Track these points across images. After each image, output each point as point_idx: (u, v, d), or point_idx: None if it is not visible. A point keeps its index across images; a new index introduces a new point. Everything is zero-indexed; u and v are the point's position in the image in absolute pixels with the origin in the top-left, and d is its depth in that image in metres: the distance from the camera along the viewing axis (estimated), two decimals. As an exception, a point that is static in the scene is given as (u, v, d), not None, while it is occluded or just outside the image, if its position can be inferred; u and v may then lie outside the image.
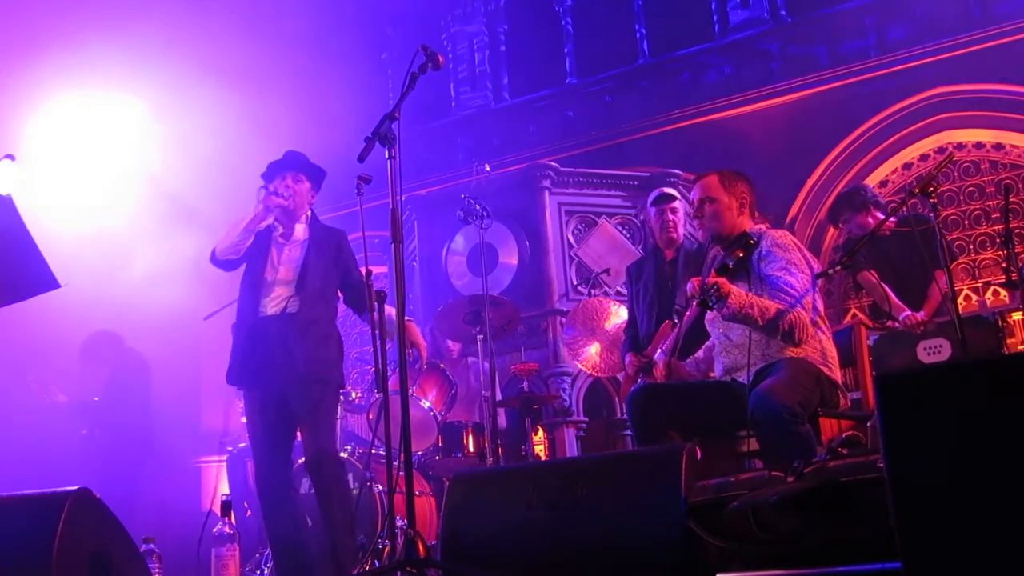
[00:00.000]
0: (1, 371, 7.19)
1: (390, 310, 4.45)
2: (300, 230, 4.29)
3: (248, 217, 4.18)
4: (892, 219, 4.90)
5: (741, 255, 3.33)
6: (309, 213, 4.34)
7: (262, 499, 4.02)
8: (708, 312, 3.61)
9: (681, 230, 5.08)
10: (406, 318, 4.52)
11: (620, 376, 6.57)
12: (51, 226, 7.09)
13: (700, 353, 3.97)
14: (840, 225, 5.45)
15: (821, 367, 3.45)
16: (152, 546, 3.70)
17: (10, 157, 5.14)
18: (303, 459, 4.17)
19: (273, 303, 4.15)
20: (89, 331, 7.18)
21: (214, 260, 4.26)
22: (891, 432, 1.79)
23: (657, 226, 5.09)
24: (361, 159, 3.26)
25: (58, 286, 3.99)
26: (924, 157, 8.93)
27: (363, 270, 4.07)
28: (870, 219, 5.13)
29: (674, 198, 5.12)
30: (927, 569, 1.72)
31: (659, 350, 4.45)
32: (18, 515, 2.40)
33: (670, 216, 5.04)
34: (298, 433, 4.13)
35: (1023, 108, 8.31)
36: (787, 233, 3.69)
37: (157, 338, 8.00)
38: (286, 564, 3.94)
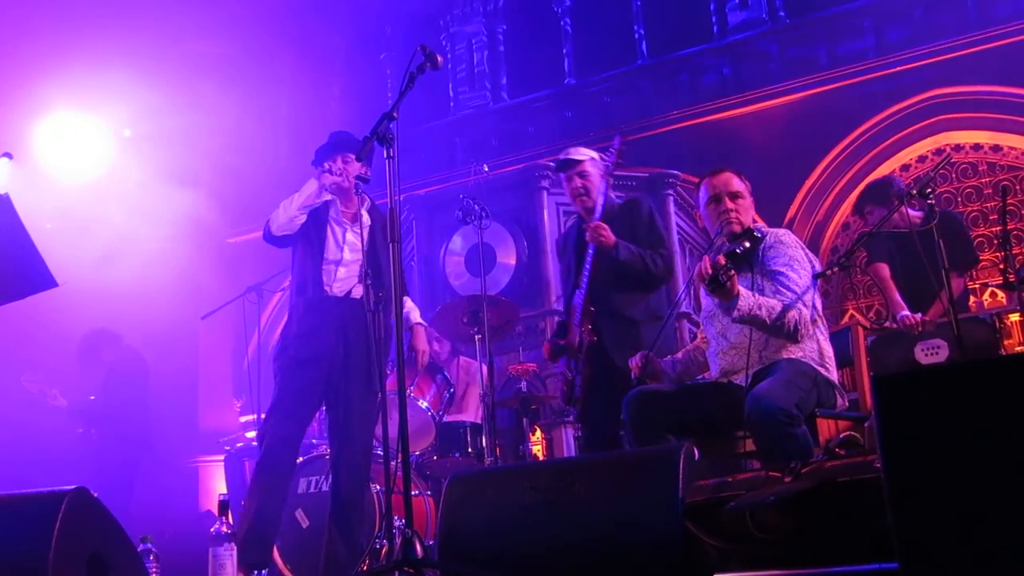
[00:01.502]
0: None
1: (410, 306, 4.46)
2: (364, 215, 4.22)
3: (304, 193, 4.14)
4: (919, 214, 4.74)
5: (748, 246, 3.32)
6: (368, 200, 4.29)
7: (266, 462, 3.95)
8: (710, 304, 3.62)
9: (596, 195, 4.42)
10: (419, 322, 4.53)
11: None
12: (48, 224, 7.10)
13: (679, 355, 3.97)
14: (864, 216, 5.25)
15: (818, 368, 3.46)
16: (150, 545, 3.69)
17: (7, 155, 5.14)
18: (305, 459, 4.17)
19: (339, 284, 4.13)
20: (86, 330, 7.17)
21: (269, 236, 4.20)
22: (888, 433, 1.80)
23: (569, 197, 4.57)
24: (359, 159, 3.27)
25: (55, 284, 3.99)
26: (922, 159, 8.95)
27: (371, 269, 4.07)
28: (896, 215, 4.72)
29: (575, 163, 4.46)
30: (924, 569, 1.72)
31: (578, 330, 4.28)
32: (15, 514, 2.39)
33: (578, 183, 4.45)
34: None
35: (1021, 110, 8.32)
36: (789, 232, 3.73)
37: (155, 337, 8.01)
38: (257, 538, 3.88)
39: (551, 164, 6.82)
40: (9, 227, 3.90)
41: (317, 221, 4.19)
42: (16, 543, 2.32)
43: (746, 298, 3.31)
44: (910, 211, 4.82)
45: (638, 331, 4.26)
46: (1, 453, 6.61)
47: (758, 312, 3.32)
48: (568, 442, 6.68)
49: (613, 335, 4.26)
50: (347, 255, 4.16)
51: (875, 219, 4.99)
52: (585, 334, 4.24)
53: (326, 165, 4.17)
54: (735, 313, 3.31)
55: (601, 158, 4.47)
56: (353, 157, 4.18)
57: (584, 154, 4.50)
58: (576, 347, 4.31)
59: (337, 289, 4.12)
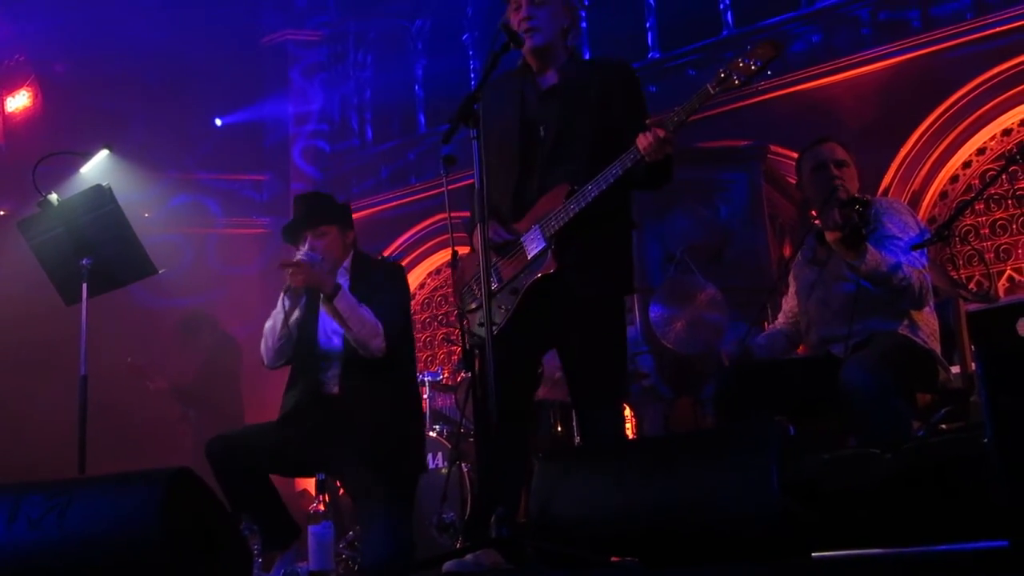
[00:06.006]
0: (103, 355, 7.48)
1: None
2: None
3: (279, 316, 3.78)
4: None
5: (860, 209, 3.25)
6: (349, 259, 3.89)
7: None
8: (809, 274, 3.55)
9: (549, 34, 3.20)
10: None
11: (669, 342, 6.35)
12: (146, 213, 7.33)
13: (762, 338, 3.88)
14: None
15: (919, 341, 3.36)
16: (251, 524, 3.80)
17: (108, 147, 5.32)
18: None
19: (333, 380, 3.75)
20: (183, 314, 7.40)
21: (270, 367, 3.95)
22: (997, 408, 1.74)
23: (515, 20, 3.20)
24: (446, 140, 3.27)
25: (156, 271, 4.12)
26: (1024, 122, 8.57)
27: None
28: None
29: None
30: (1036, 548, 1.66)
31: (534, 226, 3.15)
32: (122, 493, 2.47)
33: (527, 9, 3.14)
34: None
35: None
36: (896, 199, 3.66)
37: (250, 320, 8.22)
38: None
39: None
40: (111, 216, 4.05)
41: (307, 307, 3.80)
42: (124, 522, 2.39)
43: (872, 251, 3.24)
44: None
45: (607, 252, 3.23)
46: (106, 435, 6.88)
47: (884, 268, 3.25)
48: (656, 420, 6.63)
49: (584, 259, 3.11)
50: (336, 342, 3.75)
51: None
52: (550, 261, 3.08)
53: (289, 266, 3.62)
54: (862, 267, 3.23)
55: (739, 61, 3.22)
56: (326, 226, 3.77)
57: None
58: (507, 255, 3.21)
59: (333, 386, 3.73)
